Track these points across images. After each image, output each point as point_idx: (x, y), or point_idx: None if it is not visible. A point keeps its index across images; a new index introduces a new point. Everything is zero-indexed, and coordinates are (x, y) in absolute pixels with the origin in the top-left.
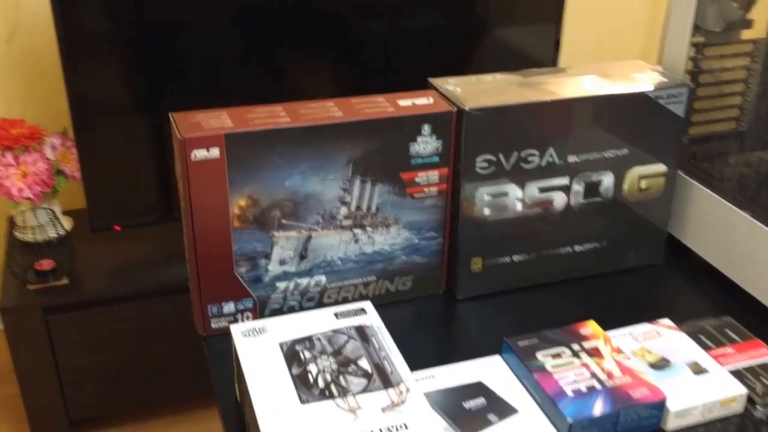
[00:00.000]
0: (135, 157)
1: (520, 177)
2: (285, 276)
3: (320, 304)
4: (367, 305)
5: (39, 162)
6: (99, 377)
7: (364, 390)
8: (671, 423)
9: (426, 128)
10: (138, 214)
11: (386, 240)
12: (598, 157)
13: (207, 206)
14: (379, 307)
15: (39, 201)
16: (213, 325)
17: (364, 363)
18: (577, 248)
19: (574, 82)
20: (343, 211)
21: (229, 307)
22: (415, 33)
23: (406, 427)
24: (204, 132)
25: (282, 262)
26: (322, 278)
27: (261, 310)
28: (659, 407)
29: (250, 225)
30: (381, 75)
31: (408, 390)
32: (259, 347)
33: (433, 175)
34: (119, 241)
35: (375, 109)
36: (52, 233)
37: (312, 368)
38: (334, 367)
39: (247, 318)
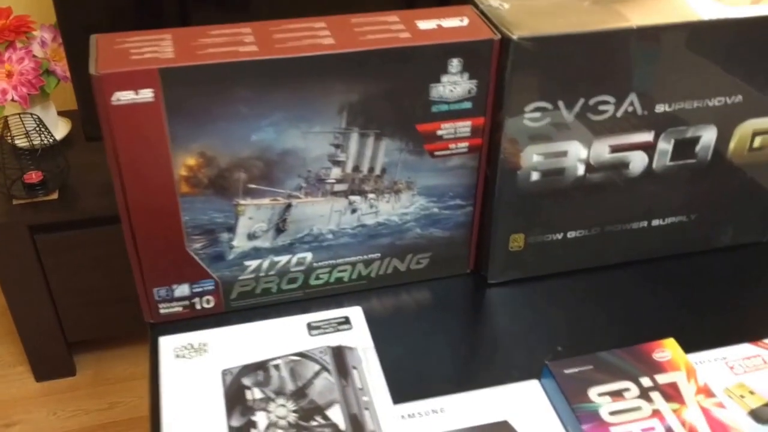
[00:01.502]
0: None
1: (587, 131)
2: (256, 253)
3: (306, 286)
4: (354, 313)
5: (25, 60)
6: (94, 300)
7: None
8: None
9: (455, 63)
10: None
11: (395, 209)
12: (699, 106)
13: (141, 165)
14: (385, 289)
15: (26, 105)
16: (162, 311)
17: (335, 413)
18: (656, 222)
19: (672, 1)
20: (335, 172)
21: (182, 289)
22: None
23: None
24: (130, 66)
25: (252, 237)
26: (308, 255)
27: (226, 294)
28: None
29: (203, 190)
30: None
31: None
32: (192, 375)
33: (463, 126)
34: None
35: (383, 34)
36: (38, 141)
37: (260, 419)
38: (292, 419)
39: (207, 303)
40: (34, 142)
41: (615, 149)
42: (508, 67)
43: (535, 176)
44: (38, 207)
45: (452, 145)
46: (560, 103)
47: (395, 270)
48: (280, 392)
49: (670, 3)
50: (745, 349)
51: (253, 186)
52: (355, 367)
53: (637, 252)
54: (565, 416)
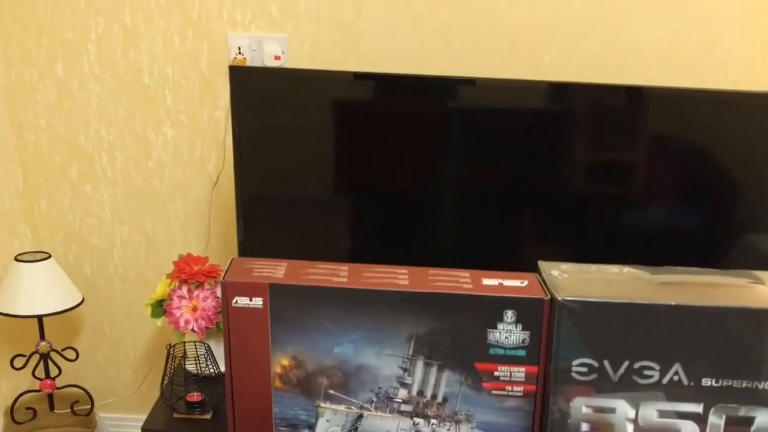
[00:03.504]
0: None
1: (633, 393)
2: None
3: None
4: None
5: (209, 299)
6: None
7: None
8: None
9: (509, 314)
10: None
11: None
12: (749, 386)
13: (247, 358)
14: None
15: (202, 335)
16: None
17: None
18: None
19: (726, 287)
20: (402, 393)
21: None
22: (650, 226)
23: None
24: (249, 279)
25: None
26: None
27: None
28: None
29: (292, 388)
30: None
31: None
32: None
33: (518, 372)
34: None
35: (450, 283)
36: (205, 369)
37: None
38: None
39: None
40: (202, 368)
41: (663, 415)
42: (555, 324)
43: (585, 427)
44: (192, 423)
45: (508, 387)
46: (605, 362)
47: None
48: None
49: (727, 288)
50: None
51: (332, 392)
52: None
53: None
54: None
